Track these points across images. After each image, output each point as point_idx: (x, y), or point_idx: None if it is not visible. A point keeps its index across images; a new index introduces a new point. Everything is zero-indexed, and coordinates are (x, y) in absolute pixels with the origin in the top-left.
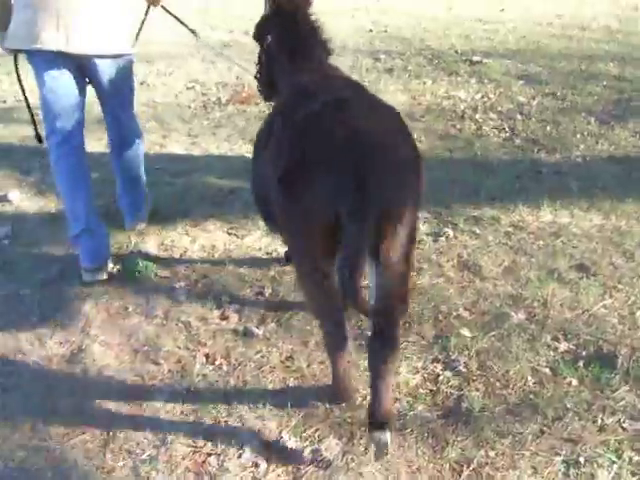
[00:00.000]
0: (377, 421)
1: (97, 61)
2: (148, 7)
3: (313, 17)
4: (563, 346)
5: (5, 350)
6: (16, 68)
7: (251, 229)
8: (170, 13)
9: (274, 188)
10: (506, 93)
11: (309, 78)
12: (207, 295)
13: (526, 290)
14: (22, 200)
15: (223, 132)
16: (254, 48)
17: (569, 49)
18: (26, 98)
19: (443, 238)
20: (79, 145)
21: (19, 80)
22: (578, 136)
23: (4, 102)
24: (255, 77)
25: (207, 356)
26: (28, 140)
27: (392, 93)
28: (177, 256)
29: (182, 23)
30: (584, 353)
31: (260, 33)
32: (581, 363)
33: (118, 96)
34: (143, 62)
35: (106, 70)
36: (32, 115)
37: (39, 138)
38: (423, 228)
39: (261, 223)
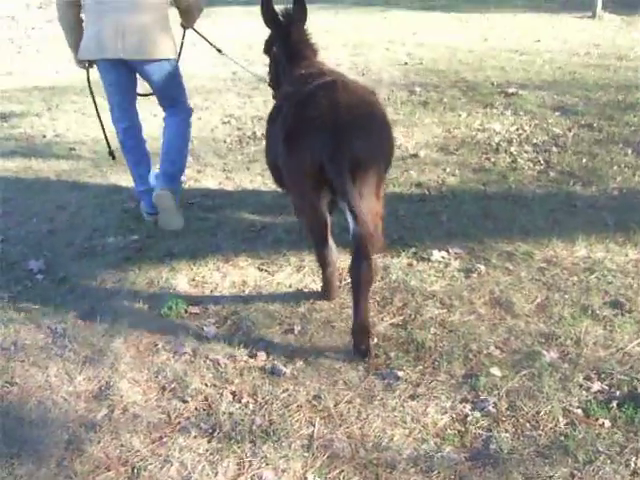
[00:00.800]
0: (358, 328)
1: (145, 65)
2: (184, 30)
3: (302, 29)
4: (596, 386)
5: (34, 384)
6: (88, 80)
7: (282, 265)
8: (199, 34)
9: (280, 147)
10: (541, 125)
11: (303, 72)
12: (236, 332)
13: (559, 327)
14: (57, 234)
15: (257, 167)
16: None
17: (606, 79)
18: (97, 111)
19: (475, 274)
20: (139, 128)
21: (91, 91)
22: (615, 168)
23: (44, 137)
24: (267, 79)
25: (234, 394)
26: (65, 175)
27: (427, 126)
28: (208, 292)
29: (210, 43)
30: (618, 393)
31: (268, 47)
32: (614, 404)
33: (165, 92)
34: None
35: (152, 71)
36: (104, 129)
37: (112, 155)
38: (455, 264)
39: (292, 259)
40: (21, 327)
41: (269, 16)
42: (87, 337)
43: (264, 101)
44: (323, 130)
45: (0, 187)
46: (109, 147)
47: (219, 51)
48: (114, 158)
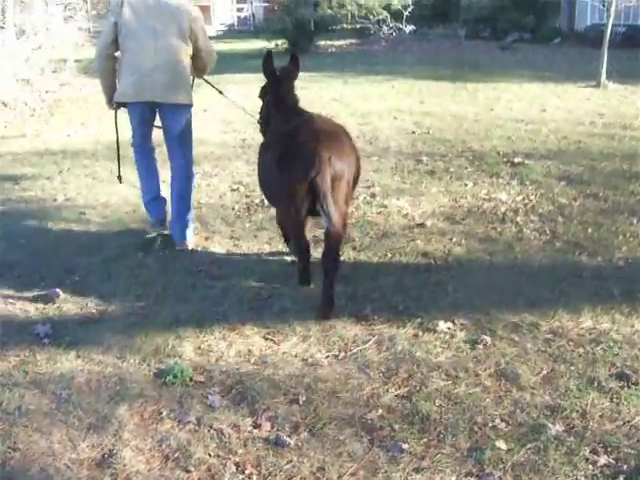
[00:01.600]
0: (326, 302)
1: (166, 107)
2: (193, 79)
3: (292, 83)
4: (603, 460)
5: (37, 450)
6: (115, 117)
7: (288, 334)
8: (206, 81)
9: (273, 170)
10: (547, 194)
11: (287, 114)
12: (241, 402)
13: (565, 400)
14: (64, 299)
15: (265, 235)
16: None
17: (611, 148)
18: (118, 142)
19: (481, 345)
20: (151, 150)
21: (116, 126)
22: (620, 238)
23: (54, 200)
24: (258, 120)
25: (237, 465)
26: (74, 239)
27: (434, 195)
28: (213, 360)
29: (215, 88)
30: (625, 467)
31: (263, 93)
32: (621, 478)
33: (177, 134)
34: None
35: (173, 115)
36: (119, 157)
37: (120, 179)
38: (461, 335)
39: (298, 328)
40: (26, 392)
41: (268, 70)
42: (92, 403)
43: None
44: (309, 154)
45: (10, 250)
46: (119, 172)
47: (220, 92)
48: (121, 182)
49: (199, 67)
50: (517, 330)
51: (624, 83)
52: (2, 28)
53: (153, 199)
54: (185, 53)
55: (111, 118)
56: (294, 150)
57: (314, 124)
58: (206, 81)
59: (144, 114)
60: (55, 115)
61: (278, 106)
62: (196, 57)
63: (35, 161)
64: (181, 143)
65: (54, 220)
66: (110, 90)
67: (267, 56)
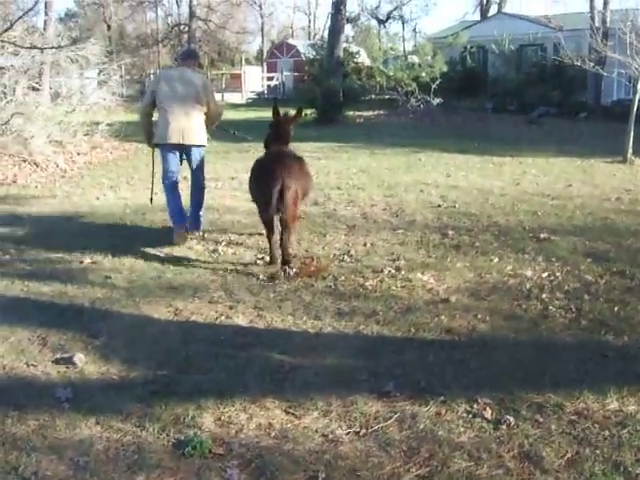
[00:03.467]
0: (285, 260)
1: (192, 148)
2: (207, 126)
3: (289, 128)
4: None
5: None
6: (152, 153)
7: (309, 409)
8: (216, 127)
9: (253, 183)
10: (573, 271)
11: (274, 149)
12: (260, 476)
13: None
14: (86, 363)
15: (289, 306)
16: (322, 219)
17: (637, 225)
18: (153, 171)
19: (504, 426)
20: (177, 183)
21: (153, 159)
22: None
23: (80, 263)
24: (264, 144)
25: None
26: (98, 303)
27: (458, 270)
28: (233, 433)
29: (224, 129)
30: None
31: (269, 127)
32: None
33: (197, 163)
34: (216, 230)
35: (194, 152)
36: (153, 183)
37: (151, 200)
38: (484, 414)
39: (320, 403)
40: (43, 457)
41: (274, 113)
42: (109, 472)
43: (298, 239)
44: (270, 175)
45: (34, 312)
46: (151, 195)
47: (234, 133)
48: (151, 203)
49: (210, 120)
50: (541, 411)
51: None
52: (38, 90)
53: (177, 213)
54: (200, 112)
55: (139, 180)
56: (263, 173)
57: (280, 156)
58: (216, 127)
59: (173, 154)
60: (85, 177)
61: (273, 138)
62: (207, 114)
63: (63, 223)
64: (198, 169)
65: (79, 283)
66: (149, 135)
67: (274, 104)
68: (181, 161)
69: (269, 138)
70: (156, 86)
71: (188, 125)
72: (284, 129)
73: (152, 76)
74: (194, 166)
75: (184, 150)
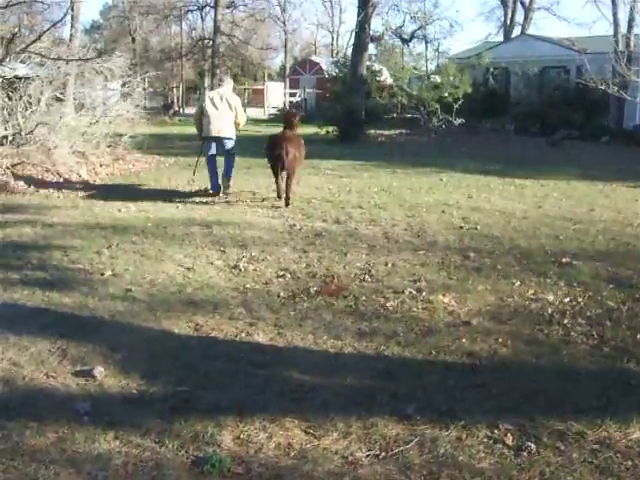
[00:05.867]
0: (287, 199)
1: (224, 140)
2: (236, 126)
3: (292, 120)
4: None
5: None
6: (202, 144)
7: (329, 429)
8: (238, 130)
9: (267, 149)
10: (595, 297)
11: (283, 131)
12: None
13: None
14: (106, 376)
15: (309, 325)
16: (343, 238)
17: None
18: (198, 157)
19: (525, 453)
20: (215, 162)
21: (201, 148)
22: None
23: (102, 275)
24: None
25: None
26: (119, 316)
27: (480, 293)
28: (252, 452)
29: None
30: None
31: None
32: None
33: (227, 147)
34: (237, 246)
35: (225, 141)
36: (197, 166)
37: (193, 180)
38: (505, 440)
39: (340, 424)
40: (62, 470)
41: (285, 112)
42: None
43: (319, 257)
44: (277, 144)
45: (55, 323)
46: (193, 176)
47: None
48: (193, 181)
49: (237, 123)
50: (563, 438)
51: None
52: (62, 100)
53: (214, 184)
54: (231, 117)
55: (160, 195)
56: (273, 143)
57: (286, 134)
58: (238, 130)
59: (213, 143)
60: (108, 189)
61: (285, 124)
62: (236, 119)
63: (85, 234)
64: (227, 151)
65: (100, 295)
66: (200, 131)
67: (288, 109)
68: (217, 147)
69: (283, 123)
70: (203, 102)
71: (221, 125)
72: (290, 120)
73: (200, 94)
74: (225, 148)
75: (220, 140)
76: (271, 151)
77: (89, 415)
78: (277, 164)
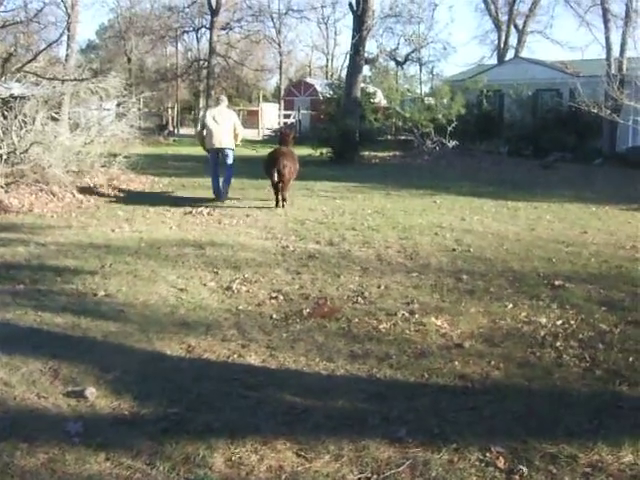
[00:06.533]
0: (283, 200)
1: (225, 150)
2: (234, 138)
3: (289, 138)
4: None
5: None
6: (209, 154)
7: (321, 452)
8: (237, 143)
9: (265, 163)
10: (588, 320)
11: (279, 147)
12: None
13: None
14: (97, 397)
15: (302, 347)
16: (336, 260)
17: None
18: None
19: (517, 476)
20: (217, 171)
21: (209, 158)
22: None
23: (94, 295)
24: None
25: None
26: (111, 337)
27: (472, 315)
28: (243, 474)
29: (239, 145)
30: None
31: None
32: None
33: (226, 158)
34: (230, 267)
35: (225, 151)
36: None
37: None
38: (497, 463)
39: (331, 447)
40: None
41: (280, 131)
42: None
43: (312, 279)
44: (275, 159)
45: (47, 343)
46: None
47: (254, 148)
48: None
49: (236, 135)
50: (555, 461)
51: None
52: (57, 120)
53: (216, 189)
54: (231, 131)
55: (155, 214)
56: (272, 158)
57: (282, 150)
58: (237, 144)
59: (215, 155)
60: (101, 209)
61: (280, 142)
62: (235, 131)
63: (78, 254)
64: (229, 163)
65: (93, 316)
66: (203, 144)
67: (281, 129)
68: (218, 158)
69: (279, 141)
70: (205, 119)
71: (223, 138)
72: (285, 138)
73: (202, 115)
74: (225, 159)
75: (221, 151)
76: (270, 165)
77: (80, 436)
78: (274, 177)
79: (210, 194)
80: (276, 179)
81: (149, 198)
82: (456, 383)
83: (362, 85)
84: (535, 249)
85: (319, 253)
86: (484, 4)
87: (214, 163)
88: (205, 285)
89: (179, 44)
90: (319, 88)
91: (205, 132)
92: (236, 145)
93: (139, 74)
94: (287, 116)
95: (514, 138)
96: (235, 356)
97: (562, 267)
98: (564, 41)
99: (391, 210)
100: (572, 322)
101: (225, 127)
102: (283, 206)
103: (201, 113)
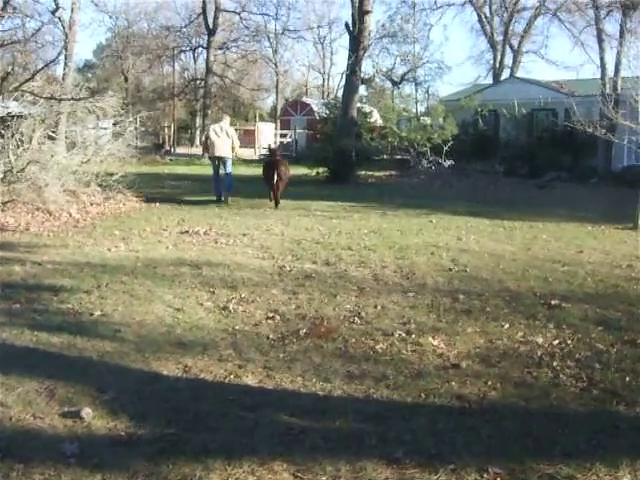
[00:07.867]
0: (277, 201)
1: (224, 158)
2: (232, 150)
3: (275, 151)
4: None
5: None
6: (211, 161)
7: (318, 474)
8: (235, 154)
9: (264, 169)
10: (584, 339)
11: (271, 157)
12: None
13: None
14: (94, 418)
15: (299, 367)
16: (333, 280)
17: None
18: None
19: None
20: (218, 176)
21: (212, 166)
22: None
23: (90, 315)
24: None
25: None
26: (107, 356)
27: (469, 335)
28: None
29: (237, 157)
30: None
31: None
32: None
33: (226, 165)
34: (227, 287)
35: (225, 160)
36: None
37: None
38: None
39: (328, 468)
40: None
41: (269, 148)
42: None
43: (309, 299)
44: (272, 162)
45: (43, 363)
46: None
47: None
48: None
49: (233, 147)
50: None
51: None
52: (54, 139)
53: (217, 191)
54: (229, 143)
55: (151, 233)
56: (269, 164)
57: (275, 159)
58: (235, 155)
59: (217, 162)
60: (98, 228)
61: (270, 155)
62: (232, 145)
63: (75, 273)
64: (228, 171)
65: (89, 335)
66: (205, 151)
67: (270, 146)
68: (219, 166)
69: (269, 154)
70: (208, 133)
71: (222, 149)
72: (274, 151)
73: (207, 127)
74: (224, 167)
75: (221, 159)
76: (267, 169)
77: (76, 457)
78: (271, 180)
79: (211, 196)
80: (275, 179)
81: (145, 217)
82: (453, 403)
83: (358, 105)
84: (531, 269)
85: (316, 273)
86: (479, 24)
87: (214, 170)
88: (202, 305)
89: (176, 63)
90: (315, 108)
91: (209, 142)
92: (235, 155)
93: (136, 93)
94: (283, 135)
95: (510, 157)
96: (232, 376)
97: (558, 286)
98: (559, 61)
99: (387, 230)
100: (569, 342)
101: (224, 140)
102: (277, 205)
103: (205, 130)
